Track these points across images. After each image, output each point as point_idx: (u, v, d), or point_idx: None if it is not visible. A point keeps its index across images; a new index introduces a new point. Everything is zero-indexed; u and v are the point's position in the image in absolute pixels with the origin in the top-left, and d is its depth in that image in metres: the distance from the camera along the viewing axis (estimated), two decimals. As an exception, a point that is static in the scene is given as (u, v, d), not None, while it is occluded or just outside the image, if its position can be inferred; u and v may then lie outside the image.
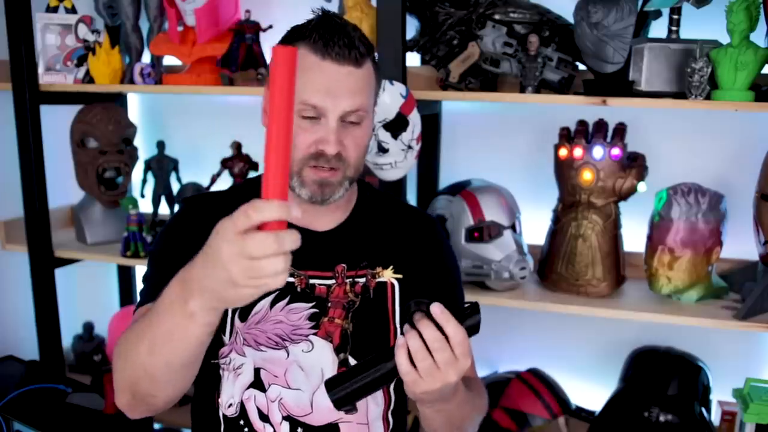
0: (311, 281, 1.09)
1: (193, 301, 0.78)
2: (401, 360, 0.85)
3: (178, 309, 0.80)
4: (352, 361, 1.08)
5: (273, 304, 1.08)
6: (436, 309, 0.85)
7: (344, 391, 0.87)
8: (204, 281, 0.76)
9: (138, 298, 1.10)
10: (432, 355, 0.84)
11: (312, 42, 0.99)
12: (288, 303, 1.08)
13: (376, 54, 1.08)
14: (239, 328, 1.08)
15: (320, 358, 1.07)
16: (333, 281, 1.10)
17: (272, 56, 0.71)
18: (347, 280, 1.10)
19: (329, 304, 1.09)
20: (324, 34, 0.99)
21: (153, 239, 1.91)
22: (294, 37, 1.02)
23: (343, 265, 1.11)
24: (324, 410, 1.07)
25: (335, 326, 1.08)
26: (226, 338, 1.08)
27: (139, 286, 1.13)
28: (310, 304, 1.08)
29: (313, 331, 1.07)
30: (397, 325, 1.13)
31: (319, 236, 1.12)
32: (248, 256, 0.69)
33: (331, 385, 0.88)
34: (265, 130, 0.71)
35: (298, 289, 1.09)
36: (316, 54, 0.99)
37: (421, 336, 0.84)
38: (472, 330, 0.87)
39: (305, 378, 1.07)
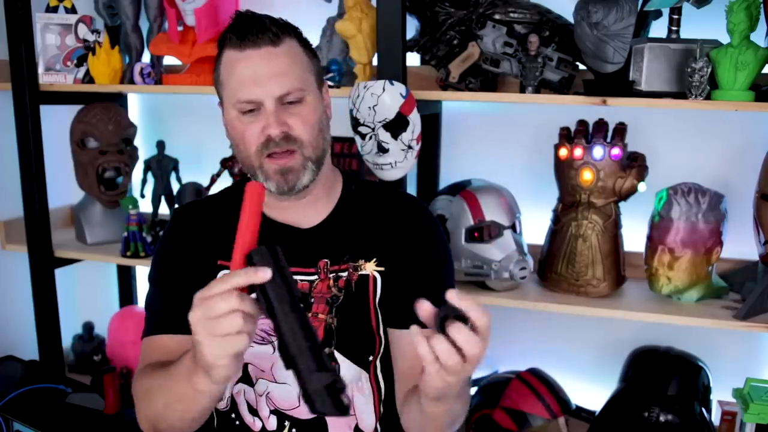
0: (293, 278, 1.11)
1: (197, 377, 0.86)
2: (424, 350, 0.77)
3: (187, 381, 0.89)
4: (338, 355, 1.09)
5: None
6: (452, 295, 0.77)
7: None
8: (196, 354, 0.84)
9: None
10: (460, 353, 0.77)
11: (229, 41, 1.05)
12: None
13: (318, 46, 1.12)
14: None
15: None
16: (315, 277, 1.11)
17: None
18: (330, 275, 1.11)
19: (312, 300, 1.10)
20: (236, 30, 1.04)
21: (153, 243, 1.91)
22: (220, 49, 1.08)
23: (326, 260, 1.12)
24: None
25: (319, 322, 1.10)
26: None
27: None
28: None
29: None
30: (379, 319, 1.13)
31: (302, 233, 1.13)
32: (207, 316, 0.79)
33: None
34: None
35: None
36: (235, 49, 1.04)
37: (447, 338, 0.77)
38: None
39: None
